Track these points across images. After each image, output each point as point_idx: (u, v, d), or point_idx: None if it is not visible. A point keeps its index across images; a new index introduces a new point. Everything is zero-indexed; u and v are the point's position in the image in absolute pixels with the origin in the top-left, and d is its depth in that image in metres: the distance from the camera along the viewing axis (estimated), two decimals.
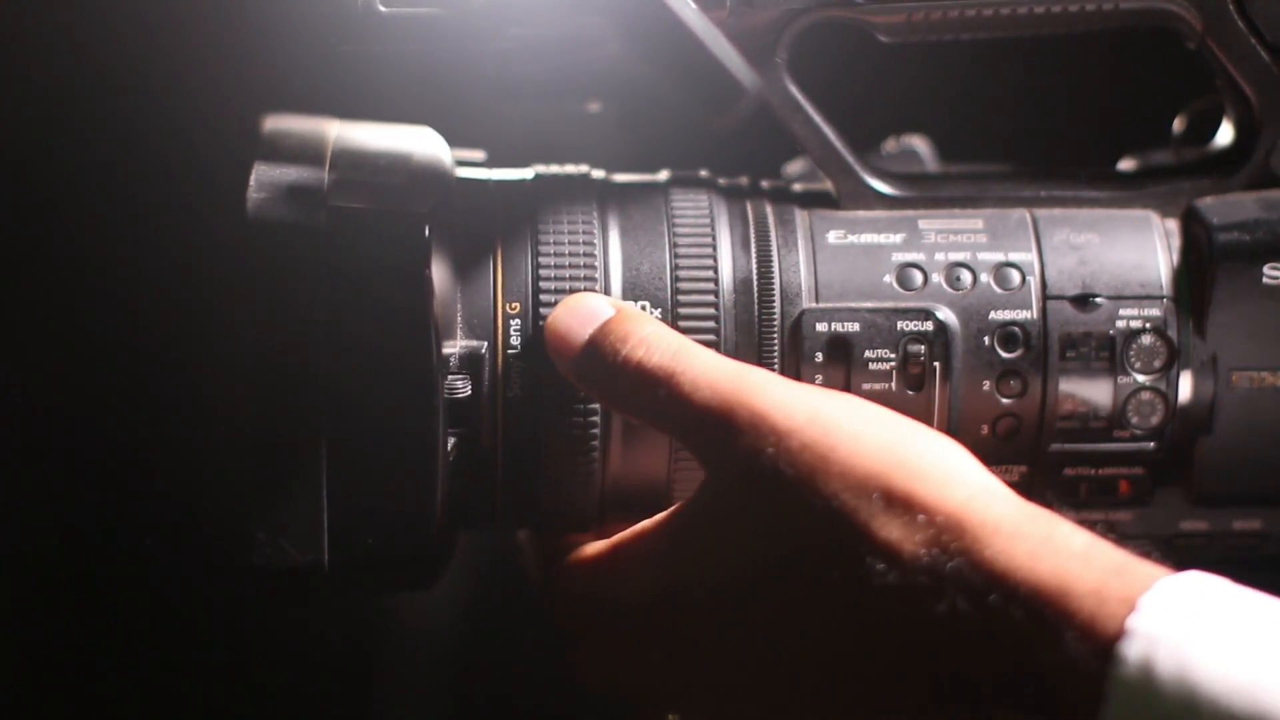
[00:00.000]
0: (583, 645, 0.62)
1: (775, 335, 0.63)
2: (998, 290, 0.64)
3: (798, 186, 0.67)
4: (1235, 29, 0.65)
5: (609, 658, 0.61)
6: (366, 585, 0.65)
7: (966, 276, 0.64)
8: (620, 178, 0.67)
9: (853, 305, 0.63)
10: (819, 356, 0.63)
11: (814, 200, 0.66)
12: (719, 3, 0.64)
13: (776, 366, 0.63)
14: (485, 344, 0.63)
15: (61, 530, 1.06)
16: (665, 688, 0.60)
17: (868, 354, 0.63)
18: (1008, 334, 0.63)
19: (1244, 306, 0.63)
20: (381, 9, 0.61)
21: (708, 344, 0.63)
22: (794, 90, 0.65)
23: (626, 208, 0.65)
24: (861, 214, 0.65)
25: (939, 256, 0.64)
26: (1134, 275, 0.64)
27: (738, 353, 0.63)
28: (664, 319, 0.63)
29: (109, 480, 1.07)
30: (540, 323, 0.62)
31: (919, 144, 0.71)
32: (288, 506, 0.60)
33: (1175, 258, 0.64)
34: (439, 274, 0.61)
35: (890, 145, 0.71)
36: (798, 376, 0.63)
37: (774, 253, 0.64)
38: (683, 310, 0.63)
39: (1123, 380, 0.63)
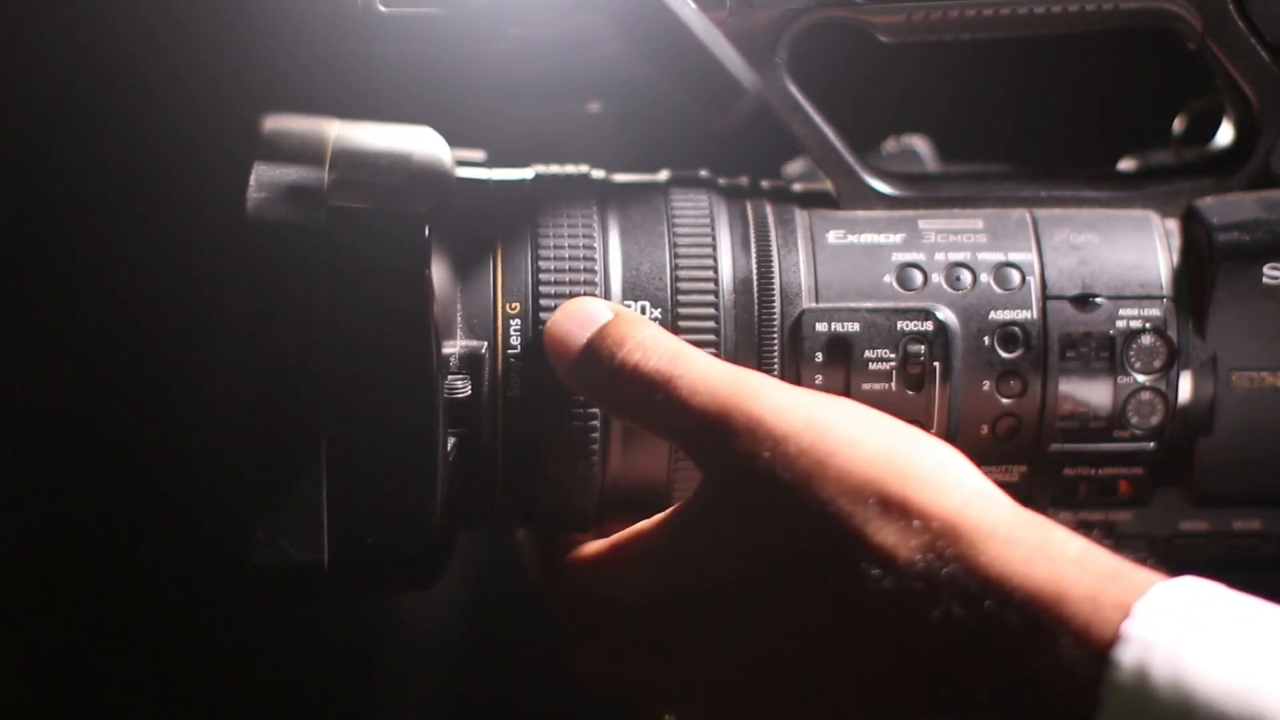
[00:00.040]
0: (581, 645, 0.62)
1: (775, 335, 0.63)
2: (998, 290, 0.64)
3: (798, 186, 0.67)
4: (1235, 29, 0.65)
5: (607, 657, 0.61)
6: (366, 585, 0.65)
7: (966, 276, 0.64)
8: (620, 178, 0.67)
9: (853, 305, 0.63)
10: (819, 356, 0.63)
11: (814, 200, 0.66)
12: (719, 3, 0.64)
13: (776, 366, 0.63)
14: (485, 344, 0.63)
15: (62, 530, 1.06)
16: (662, 688, 0.60)
17: (868, 354, 0.63)
18: (1008, 334, 0.63)
19: (1244, 306, 0.63)
20: (381, 9, 0.61)
21: (707, 344, 0.63)
22: (794, 90, 0.65)
23: (626, 208, 0.65)
24: (861, 214, 0.65)
25: (939, 256, 0.64)
26: (1134, 275, 0.64)
27: (738, 353, 0.63)
28: (664, 319, 0.63)
29: (109, 480, 1.07)
30: (540, 323, 0.62)
31: (919, 144, 0.71)
32: (288, 506, 0.60)
33: (1175, 258, 0.64)
34: (439, 274, 0.61)
35: (890, 145, 0.71)
36: (797, 376, 0.63)
37: (774, 253, 0.64)
38: (682, 310, 0.63)
39: (1122, 380, 0.63)
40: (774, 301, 0.63)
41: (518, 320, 0.63)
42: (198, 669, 1.09)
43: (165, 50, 1.02)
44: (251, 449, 0.60)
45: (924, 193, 0.66)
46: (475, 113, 0.75)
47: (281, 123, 0.65)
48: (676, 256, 0.64)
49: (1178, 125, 0.72)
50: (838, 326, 0.63)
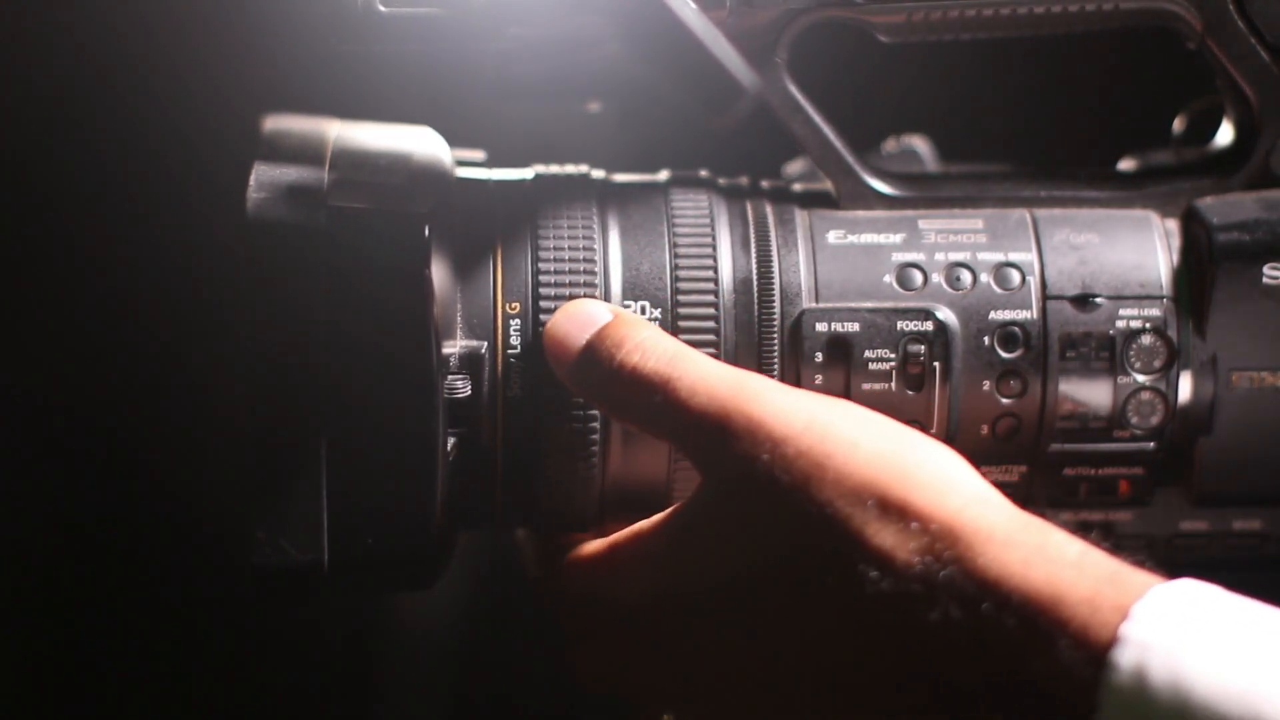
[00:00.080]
0: (581, 645, 0.62)
1: (775, 335, 0.63)
2: (998, 290, 0.64)
3: (798, 186, 0.67)
4: (1235, 29, 0.65)
5: (606, 657, 0.61)
6: (366, 585, 0.65)
7: (966, 276, 0.64)
8: (620, 178, 0.67)
9: (853, 305, 0.63)
10: (819, 356, 0.63)
11: (814, 200, 0.66)
12: (719, 3, 0.64)
13: (776, 367, 0.63)
14: (485, 344, 0.63)
15: (62, 529, 1.06)
16: (661, 688, 0.60)
17: (867, 354, 0.63)
18: (1008, 334, 0.63)
19: (1244, 306, 0.63)
20: (381, 9, 0.61)
21: (707, 344, 0.63)
22: (794, 90, 0.65)
23: (626, 208, 0.65)
24: (861, 214, 0.65)
25: (939, 256, 0.64)
26: (1134, 275, 0.64)
27: (737, 353, 0.63)
28: (664, 319, 0.63)
29: (109, 480, 1.07)
30: (540, 323, 0.62)
31: (919, 144, 0.71)
32: (288, 506, 0.60)
33: (1175, 258, 0.64)
34: (439, 274, 0.61)
35: (890, 145, 0.71)
36: (797, 376, 0.63)
37: (774, 253, 0.64)
38: (682, 310, 0.63)
39: (1122, 380, 0.63)
40: (774, 301, 0.63)
41: (518, 320, 0.63)
42: (198, 669, 1.09)
43: (165, 50, 1.02)
44: (251, 449, 0.60)
45: (924, 193, 0.66)
46: (475, 113, 0.75)
47: (281, 123, 0.65)
48: (676, 256, 0.64)
49: (1178, 125, 0.72)
50: (838, 326, 0.63)
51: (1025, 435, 0.64)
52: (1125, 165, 0.71)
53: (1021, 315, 0.63)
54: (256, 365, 0.60)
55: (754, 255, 0.64)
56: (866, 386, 0.63)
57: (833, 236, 0.64)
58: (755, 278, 0.64)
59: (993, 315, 0.63)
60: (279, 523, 0.60)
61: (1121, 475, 0.64)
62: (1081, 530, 0.64)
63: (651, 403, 0.59)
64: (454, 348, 0.62)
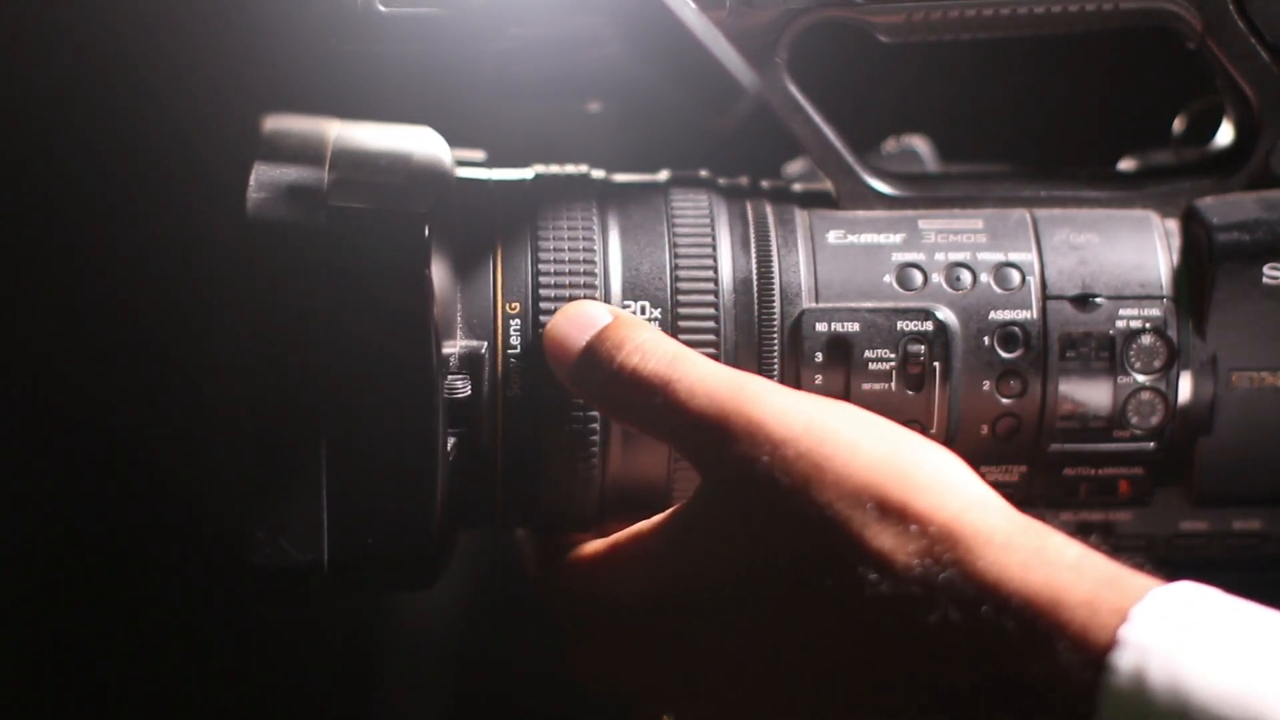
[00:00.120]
0: (581, 644, 0.62)
1: (775, 335, 0.63)
2: (998, 290, 0.64)
3: (798, 186, 0.67)
4: (1235, 29, 0.65)
5: (606, 657, 0.61)
6: (366, 585, 0.65)
7: (966, 276, 0.64)
8: (620, 178, 0.67)
9: (853, 305, 0.63)
10: (819, 357, 0.63)
11: (814, 200, 0.66)
12: (719, 3, 0.64)
13: (776, 367, 0.63)
14: (485, 344, 0.63)
15: (61, 529, 1.06)
16: (661, 688, 0.60)
17: (867, 354, 0.63)
18: (1008, 334, 0.63)
19: (1244, 306, 0.63)
20: (381, 9, 0.61)
21: (707, 344, 0.63)
22: (794, 90, 0.65)
23: (626, 208, 0.65)
24: (861, 214, 0.65)
25: (939, 256, 0.64)
26: (1134, 275, 0.64)
27: (737, 353, 0.63)
28: (663, 319, 0.63)
29: (109, 480, 1.07)
30: (540, 323, 0.62)
31: (919, 144, 0.71)
32: (287, 506, 0.60)
33: (1175, 258, 0.64)
34: (439, 274, 0.61)
35: (890, 145, 0.71)
36: (797, 376, 0.63)
37: (774, 253, 0.64)
38: (682, 310, 0.63)
39: (1122, 380, 0.63)
40: (774, 301, 0.63)
41: (518, 320, 0.63)
42: (198, 669, 1.09)
43: (165, 50, 1.02)
44: (251, 449, 0.60)
45: (924, 193, 0.66)
46: (475, 113, 0.75)
47: (281, 123, 0.65)
48: (676, 256, 0.64)
49: (1178, 125, 0.72)
50: (838, 326, 0.63)
51: (1025, 435, 0.64)
52: (1125, 165, 0.71)
53: (1021, 315, 0.63)
54: (256, 365, 0.60)
55: (754, 255, 0.64)
56: (866, 386, 0.63)
57: (833, 236, 0.64)
58: (755, 278, 0.64)
59: (993, 315, 0.63)
60: (279, 523, 0.60)
61: (1121, 475, 0.64)
62: (1082, 530, 0.65)
63: (651, 404, 0.59)
64: (454, 348, 0.62)
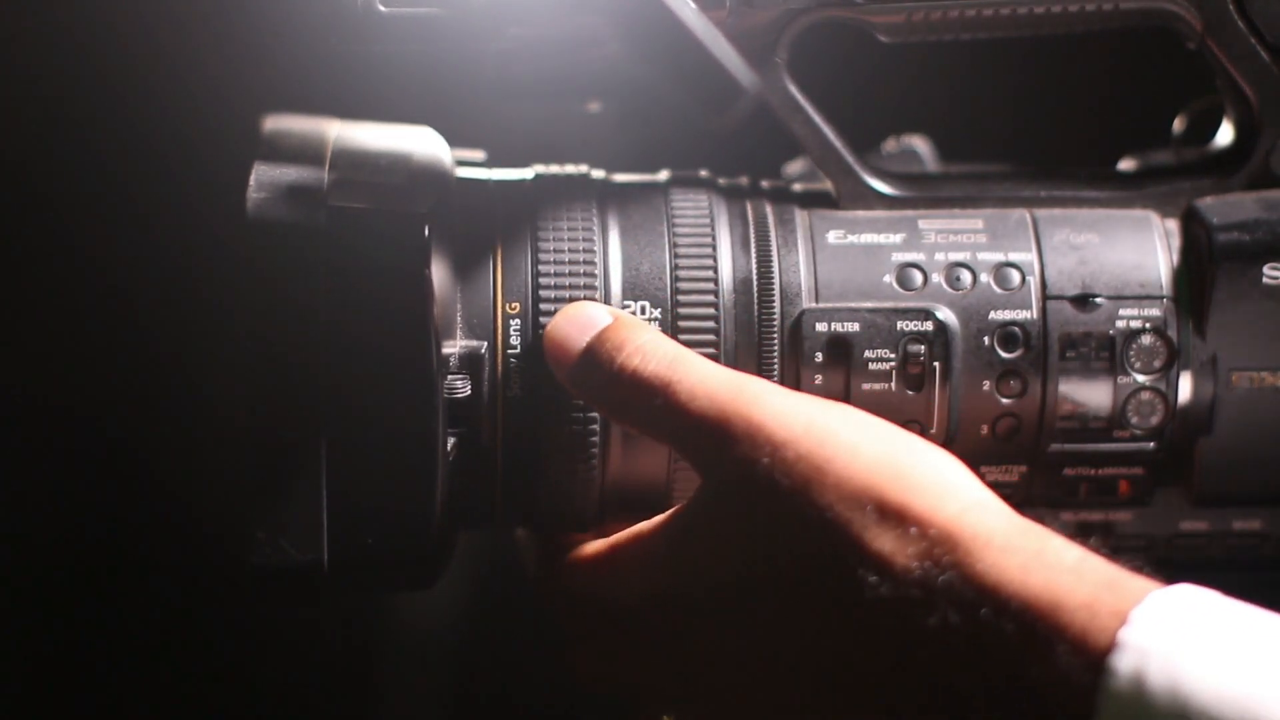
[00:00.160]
0: (580, 645, 0.62)
1: (775, 335, 0.63)
2: (998, 290, 0.64)
3: (798, 186, 0.67)
4: (1235, 29, 0.65)
5: (606, 657, 0.61)
6: (366, 585, 0.65)
7: (966, 276, 0.64)
8: (620, 178, 0.67)
9: (852, 305, 0.63)
10: (819, 357, 0.63)
11: (814, 200, 0.66)
12: (719, 3, 0.64)
13: (776, 367, 0.63)
14: (485, 344, 0.63)
15: (61, 529, 1.06)
16: (661, 688, 0.60)
17: (867, 354, 0.63)
18: (1008, 334, 0.63)
19: (1244, 306, 0.63)
20: (381, 9, 0.61)
21: (707, 344, 0.63)
22: (794, 90, 0.65)
23: (626, 208, 0.65)
24: (861, 214, 0.65)
25: (939, 256, 0.64)
26: (1134, 275, 0.64)
27: (737, 353, 0.63)
28: (663, 319, 0.63)
29: (109, 480, 1.07)
30: (540, 323, 0.62)
31: (919, 144, 0.71)
32: (287, 506, 0.60)
33: (1175, 258, 0.64)
34: (439, 274, 0.61)
35: (890, 145, 0.71)
36: (797, 377, 0.63)
37: (774, 253, 0.64)
38: (682, 310, 0.63)
39: (1122, 380, 0.63)
40: (774, 301, 0.63)
41: (517, 320, 0.63)
42: (198, 669, 1.09)
43: (165, 50, 1.02)
44: (251, 449, 0.60)
45: (924, 193, 0.66)
46: (475, 113, 0.75)
47: (281, 123, 0.65)
48: (676, 256, 0.64)
49: (1178, 125, 0.72)
50: (838, 326, 0.63)
51: (1025, 435, 0.64)
52: (1125, 165, 0.71)
53: (1021, 315, 0.63)
54: (256, 365, 0.60)
55: (754, 255, 0.64)
56: (866, 387, 0.63)
57: (833, 236, 0.64)
58: (755, 278, 0.64)
59: (993, 315, 0.63)
60: (279, 523, 0.60)
61: (1121, 475, 0.64)
62: (1082, 530, 0.65)
63: (651, 406, 0.59)
64: (454, 348, 0.62)
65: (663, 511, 0.61)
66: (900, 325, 0.63)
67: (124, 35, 1.02)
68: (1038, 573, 0.53)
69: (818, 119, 0.65)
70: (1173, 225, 0.65)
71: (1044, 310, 0.63)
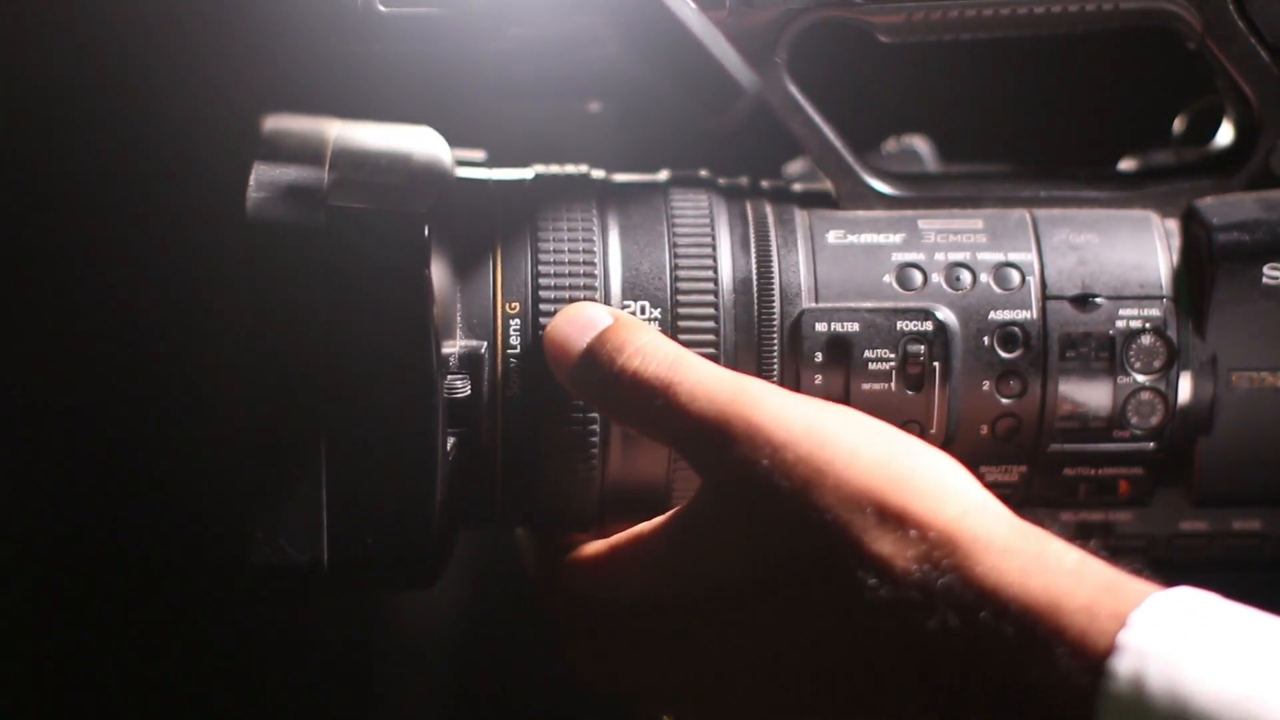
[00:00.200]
0: (580, 645, 0.62)
1: (775, 335, 0.63)
2: (997, 290, 0.64)
3: (798, 186, 0.67)
4: (1235, 29, 0.65)
5: (605, 657, 0.61)
6: (366, 585, 0.65)
7: (966, 276, 0.64)
8: (620, 178, 0.67)
9: (852, 305, 0.63)
10: (818, 357, 0.63)
11: (814, 200, 0.66)
12: (718, 3, 0.64)
13: (776, 367, 0.63)
14: (485, 344, 0.63)
15: (61, 529, 1.06)
16: (660, 688, 0.60)
17: (867, 354, 0.63)
18: (1007, 334, 0.63)
19: (1244, 306, 0.63)
20: (381, 9, 0.61)
21: (707, 344, 0.63)
22: (794, 90, 0.65)
23: (626, 208, 0.65)
24: (861, 214, 0.65)
25: (939, 256, 0.64)
26: (1134, 275, 0.64)
27: (737, 353, 0.63)
28: (663, 319, 0.63)
29: (109, 479, 1.07)
30: (540, 323, 0.62)
31: (919, 144, 0.71)
32: (287, 506, 0.60)
33: (1175, 258, 0.64)
34: (438, 274, 0.61)
35: (890, 145, 0.71)
36: (797, 377, 0.63)
37: (774, 253, 0.64)
38: (682, 310, 0.63)
39: (1122, 380, 0.63)
40: (774, 301, 0.63)
41: (517, 320, 0.63)
42: (198, 669, 1.09)
43: (165, 50, 1.02)
44: (251, 449, 0.60)
45: (924, 193, 0.66)
46: (475, 113, 0.75)
47: (281, 123, 0.65)
48: (676, 256, 0.64)
49: (1178, 125, 0.72)
50: (837, 326, 0.63)
51: (1025, 435, 0.64)
52: (1125, 165, 0.71)
53: (1021, 315, 0.63)
54: (256, 365, 0.60)
55: (754, 255, 0.64)
56: (866, 387, 0.63)
57: (832, 236, 0.64)
58: (755, 278, 0.64)
59: (992, 315, 0.63)
60: (278, 522, 0.60)
61: (1121, 475, 0.64)
62: (1082, 530, 0.65)
63: (652, 407, 0.59)
64: (454, 348, 0.62)
65: (662, 512, 0.61)
66: (900, 325, 0.63)
67: (124, 35, 1.02)
68: (1037, 576, 0.53)
69: (817, 119, 0.65)
70: (1173, 225, 0.65)
71: (1044, 310, 0.63)
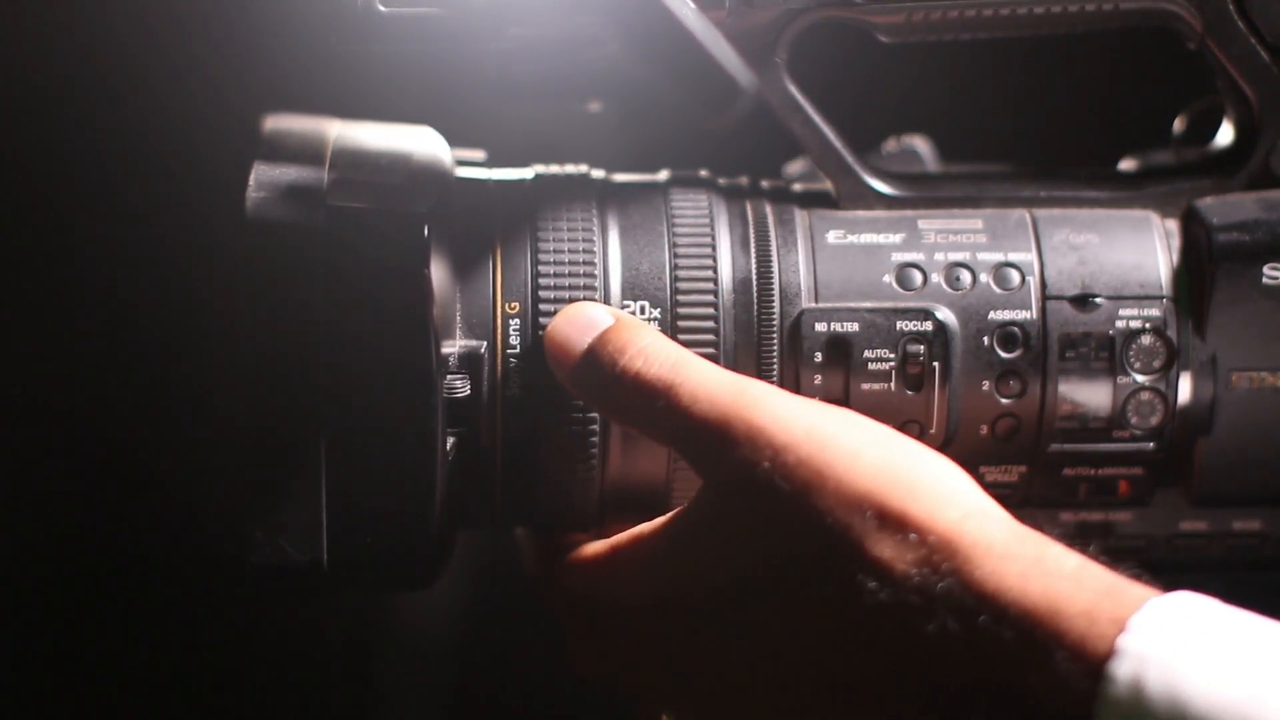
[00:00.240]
0: (580, 645, 0.62)
1: (774, 335, 0.63)
2: (997, 290, 0.64)
3: (798, 186, 0.67)
4: (1235, 29, 0.65)
5: (605, 657, 0.61)
6: (366, 585, 0.65)
7: (966, 276, 0.64)
8: (620, 178, 0.67)
9: (852, 305, 0.63)
10: (818, 357, 0.63)
11: (814, 200, 0.66)
12: (718, 3, 0.64)
13: (775, 367, 0.63)
14: (484, 344, 0.63)
15: (61, 529, 1.06)
16: (660, 688, 0.60)
17: (867, 354, 0.63)
18: (1007, 334, 0.63)
19: (1244, 307, 0.63)
20: (381, 9, 0.61)
21: (706, 344, 0.63)
22: (793, 90, 0.65)
23: (626, 208, 0.65)
24: (861, 214, 0.65)
25: (938, 256, 0.64)
26: (1134, 275, 0.64)
27: (737, 353, 0.63)
28: (663, 319, 0.63)
29: (109, 479, 1.07)
30: (540, 323, 0.62)
31: (919, 144, 0.71)
32: (287, 506, 0.60)
33: (1175, 258, 0.64)
34: (438, 274, 0.61)
35: (890, 145, 0.71)
36: (797, 377, 0.63)
37: (773, 253, 0.64)
38: (682, 310, 0.63)
39: (1122, 380, 0.63)
40: (773, 301, 0.63)
41: (517, 320, 0.63)
42: (198, 668, 1.09)
43: (165, 50, 1.02)
44: (251, 449, 0.60)
45: (924, 193, 0.66)
46: (475, 113, 0.75)
47: (281, 123, 0.65)
48: (676, 256, 0.64)
49: (1178, 125, 0.72)
50: (837, 326, 0.63)
51: (1025, 435, 0.64)
52: (1125, 165, 0.71)
53: (1021, 315, 0.63)
54: (256, 365, 0.60)
55: (753, 255, 0.64)
56: (866, 387, 0.63)
57: (832, 236, 0.64)
58: (755, 278, 0.64)
59: (992, 315, 0.63)
60: (278, 522, 0.60)
61: (1121, 475, 0.64)
62: (1081, 530, 0.65)
63: (653, 408, 0.59)
64: (453, 347, 0.62)
65: (663, 512, 0.61)
66: (900, 325, 0.63)
67: (124, 35, 1.02)
68: (1037, 580, 0.53)
69: (817, 119, 0.65)
70: (1173, 225, 0.65)
71: (1044, 310, 0.63)
